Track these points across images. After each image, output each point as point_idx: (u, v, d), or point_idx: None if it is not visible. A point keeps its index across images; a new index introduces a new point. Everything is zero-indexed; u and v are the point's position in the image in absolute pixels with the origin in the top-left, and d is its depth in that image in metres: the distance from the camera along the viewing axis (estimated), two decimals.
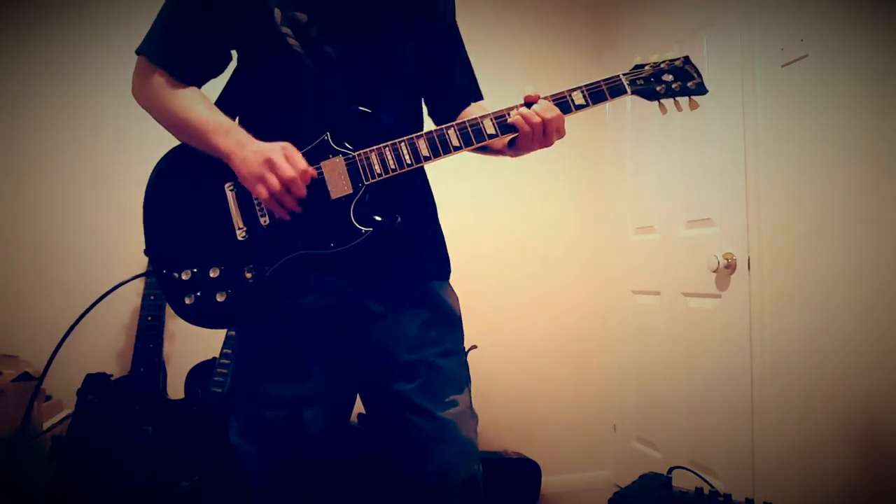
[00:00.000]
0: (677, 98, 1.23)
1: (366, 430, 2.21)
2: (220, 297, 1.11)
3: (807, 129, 2.00)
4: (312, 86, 1.14)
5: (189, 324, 1.14)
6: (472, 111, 1.33)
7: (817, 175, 1.96)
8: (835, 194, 1.90)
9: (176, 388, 2.25)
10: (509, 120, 1.15)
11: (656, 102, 1.23)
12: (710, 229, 2.43)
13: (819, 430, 1.94)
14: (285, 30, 1.12)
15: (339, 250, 1.10)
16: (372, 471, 1.86)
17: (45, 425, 2.20)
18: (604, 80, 1.19)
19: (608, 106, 2.58)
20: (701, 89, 1.23)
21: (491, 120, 1.15)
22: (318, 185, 1.10)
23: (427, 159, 1.13)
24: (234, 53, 1.22)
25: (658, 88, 1.22)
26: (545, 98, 1.16)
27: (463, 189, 2.90)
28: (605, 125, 3.16)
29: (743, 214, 2.25)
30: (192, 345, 2.45)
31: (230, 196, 1.13)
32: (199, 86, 1.18)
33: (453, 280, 1.30)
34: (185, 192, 1.15)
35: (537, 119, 1.14)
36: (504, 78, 2.72)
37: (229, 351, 2.23)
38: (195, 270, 1.12)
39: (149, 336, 2.20)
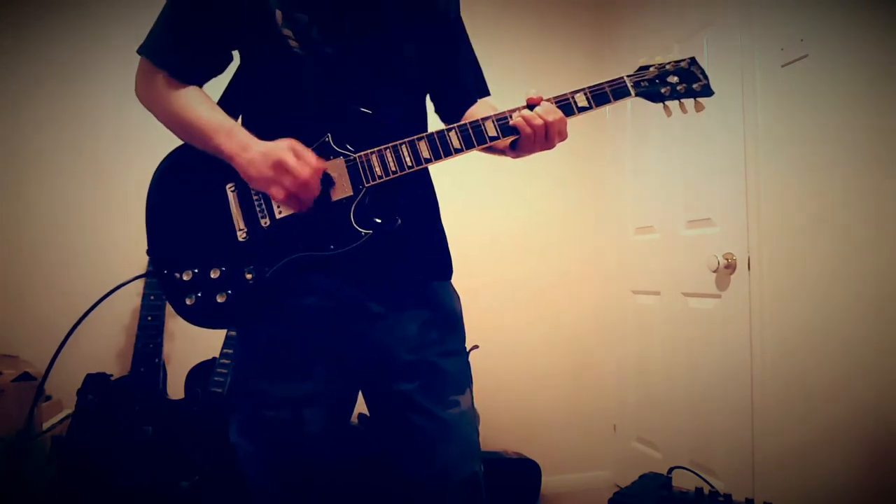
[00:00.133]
0: (682, 100, 1.22)
1: (366, 430, 2.21)
2: (220, 298, 1.11)
3: (807, 129, 2.00)
4: (313, 87, 1.14)
5: (189, 324, 1.14)
6: (479, 109, 1.32)
7: (817, 175, 1.96)
8: (835, 194, 1.90)
9: (176, 388, 2.25)
10: (511, 122, 1.14)
11: (660, 104, 1.22)
12: (710, 229, 2.43)
13: (819, 430, 1.94)
14: (286, 31, 1.11)
15: (338, 252, 1.10)
16: (372, 471, 1.86)
17: (45, 425, 2.20)
18: (607, 82, 1.18)
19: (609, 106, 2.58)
20: (707, 91, 1.21)
21: (493, 122, 1.14)
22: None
23: (428, 161, 1.12)
24: (235, 53, 1.22)
25: (663, 90, 1.20)
26: (547, 100, 1.16)
27: (462, 188, 2.90)
28: (606, 125, 3.16)
29: (743, 214, 2.25)
30: (192, 345, 2.45)
31: (231, 197, 1.13)
32: (201, 85, 1.17)
33: (453, 279, 1.30)
34: (187, 192, 1.15)
35: (539, 121, 1.13)
36: (503, 78, 2.72)
37: (229, 351, 2.23)
38: (196, 271, 1.12)
39: (149, 336, 2.20)
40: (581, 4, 3.21)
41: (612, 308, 3.11)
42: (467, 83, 1.36)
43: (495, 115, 1.15)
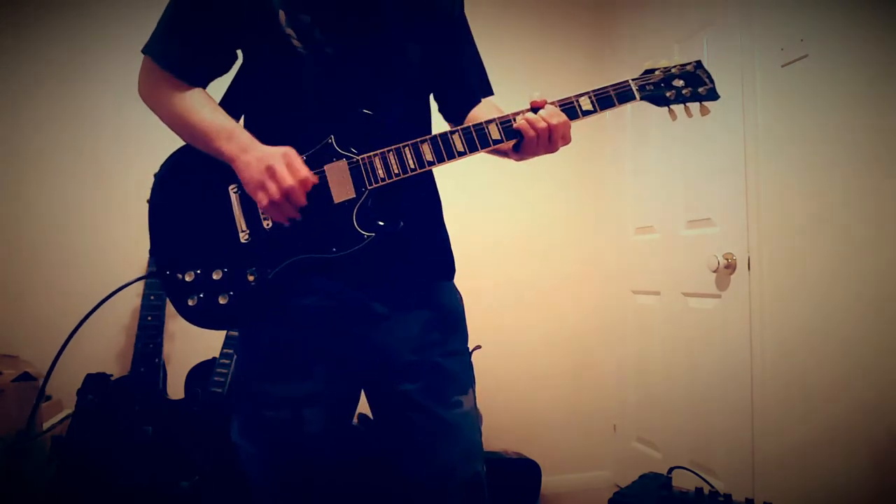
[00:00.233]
0: (687, 104, 1.21)
1: (366, 430, 2.21)
2: (222, 300, 1.11)
3: (807, 129, 2.00)
4: (315, 87, 1.14)
5: (190, 324, 1.14)
6: (482, 110, 1.32)
7: (817, 175, 1.96)
8: (835, 194, 1.90)
9: (176, 388, 2.25)
10: (515, 125, 1.14)
11: (665, 108, 1.21)
12: (710, 229, 2.43)
13: (819, 430, 1.94)
14: (289, 31, 1.11)
15: (341, 255, 1.10)
16: (372, 471, 1.87)
17: (45, 425, 2.20)
18: (612, 86, 1.18)
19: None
20: (712, 95, 1.20)
21: (496, 125, 1.14)
22: (320, 188, 1.09)
23: (431, 164, 1.12)
24: (239, 53, 1.22)
25: (668, 94, 1.20)
26: (552, 103, 1.15)
27: (462, 189, 2.89)
28: (606, 125, 3.16)
29: (743, 214, 2.25)
30: (192, 345, 2.45)
31: (234, 198, 1.13)
32: (204, 85, 1.17)
33: (455, 280, 1.30)
34: (190, 193, 1.15)
35: (543, 124, 1.13)
36: (503, 78, 2.71)
37: (229, 351, 2.24)
38: (198, 272, 1.12)
39: (149, 336, 2.20)
40: (581, 4, 3.21)
41: (612, 308, 3.11)
42: (471, 83, 1.35)
43: (499, 118, 1.14)
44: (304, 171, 1.06)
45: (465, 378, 1.22)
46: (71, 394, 2.16)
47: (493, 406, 2.82)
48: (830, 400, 1.91)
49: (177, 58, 1.13)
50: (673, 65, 1.21)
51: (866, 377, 1.80)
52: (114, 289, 2.10)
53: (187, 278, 1.12)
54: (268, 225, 1.11)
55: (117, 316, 2.49)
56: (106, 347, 2.48)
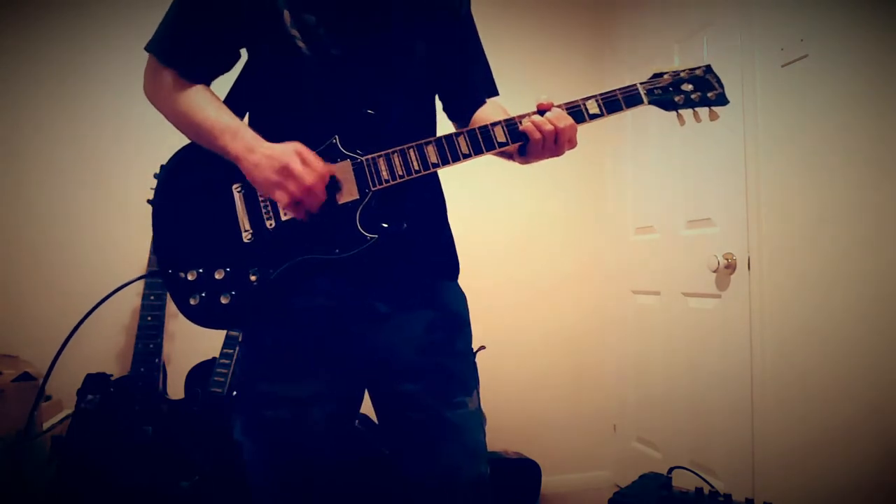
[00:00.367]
0: (696, 108, 1.20)
1: (366, 430, 2.21)
2: (224, 299, 1.10)
3: (807, 129, 2.00)
4: (318, 87, 1.13)
5: (190, 324, 1.14)
6: (487, 110, 1.31)
7: (817, 175, 1.96)
8: (835, 194, 1.90)
9: (176, 388, 2.25)
10: (520, 127, 1.13)
11: (674, 112, 1.20)
12: (710, 229, 2.44)
13: (819, 430, 1.94)
14: (294, 31, 1.11)
15: (344, 256, 1.10)
16: (373, 471, 1.87)
17: (45, 425, 2.20)
18: (619, 90, 1.16)
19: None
20: (722, 100, 1.19)
21: (502, 127, 1.13)
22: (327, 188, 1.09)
23: (436, 166, 1.11)
24: (243, 51, 1.21)
25: (676, 98, 1.18)
26: (558, 106, 1.14)
27: (463, 189, 2.89)
28: (606, 125, 3.15)
29: (743, 214, 2.25)
30: (192, 345, 2.45)
31: (237, 197, 1.12)
32: (209, 83, 1.17)
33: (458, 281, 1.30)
34: (194, 192, 1.15)
35: (549, 127, 1.12)
36: (503, 78, 2.72)
37: (229, 351, 2.23)
38: (200, 271, 1.11)
39: (149, 336, 2.20)
40: (581, 4, 3.21)
41: (612, 308, 3.11)
42: (475, 84, 1.34)
43: (504, 121, 1.14)
44: (321, 165, 1.06)
45: (469, 379, 1.22)
46: (71, 394, 2.16)
47: (492, 406, 2.81)
48: (830, 400, 1.91)
49: (181, 55, 1.13)
50: (682, 69, 1.20)
51: (866, 377, 1.80)
52: (113, 289, 2.10)
53: (189, 277, 1.11)
54: (271, 225, 1.11)
55: (117, 316, 2.49)
56: (106, 347, 2.48)
